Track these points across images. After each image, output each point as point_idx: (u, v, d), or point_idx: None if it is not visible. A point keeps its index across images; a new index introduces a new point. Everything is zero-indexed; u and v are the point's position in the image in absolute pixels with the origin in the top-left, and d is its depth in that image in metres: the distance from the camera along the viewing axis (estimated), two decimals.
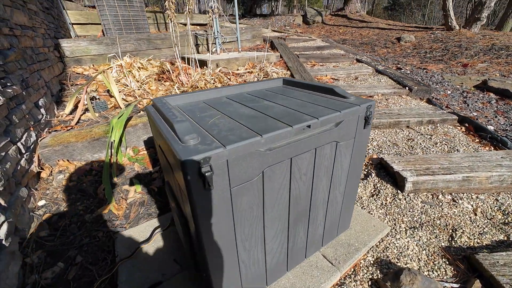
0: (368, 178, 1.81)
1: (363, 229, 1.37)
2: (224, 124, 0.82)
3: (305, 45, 6.07)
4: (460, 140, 2.25)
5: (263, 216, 0.85)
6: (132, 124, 2.02)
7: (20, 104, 1.64)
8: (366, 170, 1.92)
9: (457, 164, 1.72)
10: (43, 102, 2.06)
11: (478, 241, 1.32)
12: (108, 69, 2.98)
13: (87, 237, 1.36)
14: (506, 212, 1.49)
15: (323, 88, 1.18)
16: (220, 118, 0.89)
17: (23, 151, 1.53)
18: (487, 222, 1.44)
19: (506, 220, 1.44)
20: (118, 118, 1.94)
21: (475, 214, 1.49)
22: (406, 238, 1.35)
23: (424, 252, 1.27)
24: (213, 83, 3.09)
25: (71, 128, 2.03)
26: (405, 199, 1.61)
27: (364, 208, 1.58)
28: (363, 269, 1.20)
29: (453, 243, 1.31)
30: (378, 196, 1.65)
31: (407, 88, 3.31)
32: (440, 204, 1.57)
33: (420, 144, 2.21)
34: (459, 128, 2.48)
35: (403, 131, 2.46)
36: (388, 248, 1.29)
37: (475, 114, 2.75)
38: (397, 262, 1.22)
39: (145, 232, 1.37)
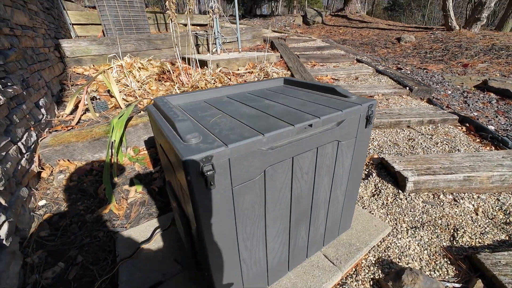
0: (369, 178, 1.81)
1: (364, 229, 1.36)
2: (226, 123, 0.82)
3: (305, 46, 6.07)
4: (461, 140, 2.25)
5: (265, 215, 0.85)
6: (132, 124, 2.02)
7: (20, 104, 1.64)
8: (367, 170, 1.92)
9: (458, 164, 1.72)
10: (44, 102, 2.06)
11: (480, 241, 1.31)
12: (108, 69, 2.98)
13: (88, 237, 1.36)
14: (508, 212, 1.49)
15: (324, 87, 1.18)
16: (221, 117, 0.88)
17: (24, 151, 1.53)
18: (489, 222, 1.43)
19: (508, 220, 1.44)
20: (119, 118, 1.94)
21: (477, 214, 1.49)
22: (407, 238, 1.35)
23: (425, 252, 1.27)
24: (214, 83, 3.09)
25: (72, 128, 2.03)
26: (406, 199, 1.61)
27: (365, 208, 1.57)
28: (364, 269, 1.19)
29: (455, 243, 1.31)
30: (379, 196, 1.65)
31: (407, 88, 3.31)
32: (441, 204, 1.57)
33: (421, 144, 2.20)
34: (459, 128, 2.48)
35: (404, 131, 2.46)
36: (389, 248, 1.29)
37: (475, 114, 2.75)
38: (398, 262, 1.22)
39: (146, 232, 1.37)
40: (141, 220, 1.48)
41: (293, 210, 0.94)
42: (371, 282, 1.13)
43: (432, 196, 1.63)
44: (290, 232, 0.99)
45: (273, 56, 4.33)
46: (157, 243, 1.30)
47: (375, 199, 1.63)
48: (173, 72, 3.13)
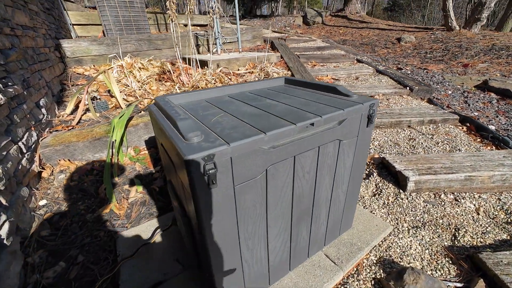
0: (370, 178, 1.80)
1: (366, 229, 1.36)
2: (227, 122, 0.82)
3: (305, 46, 6.07)
4: (462, 139, 2.24)
5: (266, 214, 0.85)
6: (133, 124, 2.02)
7: (21, 104, 1.64)
8: (368, 169, 1.91)
9: (459, 163, 1.71)
10: (44, 102, 2.06)
11: (481, 240, 1.31)
12: (109, 69, 2.98)
13: (89, 237, 1.35)
14: (509, 212, 1.49)
15: (325, 86, 1.18)
16: (223, 116, 0.88)
17: (24, 151, 1.53)
18: (490, 221, 1.43)
19: (509, 220, 1.43)
20: (120, 117, 1.94)
21: (478, 214, 1.49)
22: (408, 237, 1.34)
23: (427, 251, 1.27)
24: (214, 83, 3.09)
25: (72, 128, 2.03)
26: (407, 198, 1.60)
27: (366, 208, 1.57)
28: (366, 269, 1.19)
29: (456, 243, 1.31)
30: (380, 195, 1.65)
31: (408, 88, 3.31)
32: (443, 203, 1.57)
33: (422, 143, 2.20)
34: (460, 127, 2.48)
35: (405, 130, 2.45)
36: (390, 248, 1.29)
37: (476, 114, 2.75)
38: (400, 262, 1.22)
39: (147, 231, 1.37)
40: (142, 220, 1.47)
41: (294, 209, 0.94)
42: (373, 282, 1.13)
43: (433, 195, 1.63)
44: (291, 232, 0.99)
45: (274, 56, 4.33)
46: (158, 243, 1.30)
47: (376, 199, 1.63)
48: (173, 72, 3.13)
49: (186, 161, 0.60)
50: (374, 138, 2.34)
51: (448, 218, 1.46)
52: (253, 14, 15.79)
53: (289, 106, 0.98)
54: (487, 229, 1.37)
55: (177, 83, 2.99)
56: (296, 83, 1.35)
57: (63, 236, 1.35)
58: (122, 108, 2.43)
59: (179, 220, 1.06)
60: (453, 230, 1.38)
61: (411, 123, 2.51)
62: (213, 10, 3.74)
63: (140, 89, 2.81)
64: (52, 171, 1.71)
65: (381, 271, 1.17)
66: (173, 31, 3.20)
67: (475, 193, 1.63)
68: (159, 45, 4.10)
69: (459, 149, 2.09)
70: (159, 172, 1.84)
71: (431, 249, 1.28)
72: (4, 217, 1.12)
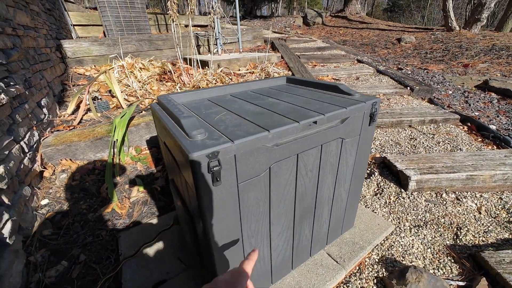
0: (371, 177, 1.80)
1: (368, 228, 1.36)
2: (231, 120, 0.82)
3: (305, 46, 6.08)
4: (463, 139, 2.25)
5: (269, 212, 0.85)
6: (134, 123, 2.02)
7: (23, 104, 1.64)
8: (369, 169, 1.92)
9: (461, 162, 1.72)
10: (46, 102, 2.06)
11: (483, 239, 1.31)
12: (110, 69, 2.98)
13: (91, 236, 1.35)
14: (511, 211, 1.49)
15: (327, 85, 1.18)
16: (226, 115, 0.88)
17: (26, 150, 1.53)
18: (492, 220, 1.43)
19: (511, 219, 1.43)
20: (121, 117, 1.94)
21: (480, 213, 1.49)
22: (410, 236, 1.34)
23: (429, 250, 1.27)
24: (215, 83, 3.09)
25: (74, 128, 2.03)
26: (408, 197, 1.60)
27: (368, 207, 1.57)
28: (368, 267, 1.19)
29: (458, 242, 1.31)
30: (382, 195, 1.65)
31: (408, 88, 3.31)
32: (444, 202, 1.57)
33: (423, 143, 2.20)
34: (461, 127, 2.48)
35: (406, 130, 2.46)
36: (392, 247, 1.29)
37: (477, 113, 2.75)
38: (402, 260, 1.22)
39: (148, 231, 1.36)
40: (144, 219, 1.47)
41: (297, 207, 0.94)
42: (375, 280, 1.13)
43: (435, 195, 1.63)
44: (294, 230, 0.99)
45: (274, 57, 4.34)
46: (160, 242, 1.30)
47: (378, 198, 1.63)
48: (174, 73, 3.13)
49: (190, 159, 0.60)
50: (375, 137, 2.34)
51: (449, 217, 1.46)
52: (253, 15, 15.82)
53: (291, 104, 0.98)
54: (489, 228, 1.37)
55: (178, 83, 2.99)
56: (298, 82, 1.35)
57: (65, 235, 1.35)
58: (123, 108, 2.43)
59: (182, 219, 1.06)
60: (455, 229, 1.38)
61: (412, 123, 2.52)
62: (214, 11, 3.75)
63: (141, 89, 2.82)
64: (54, 171, 1.71)
65: (383, 269, 1.17)
66: (174, 31, 3.20)
67: (476, 192, 1.63)
68: (160, 46, 4.10)
69: (460, 149, 2.09)
70: (161, 171, 1.84)
71: (433, 248, 1.28)
72: (6, 216, 1.12)
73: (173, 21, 2.80)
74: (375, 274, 1.16)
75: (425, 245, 1.30)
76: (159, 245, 1.28)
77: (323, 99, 1.04)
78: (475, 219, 1.44)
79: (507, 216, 1.46)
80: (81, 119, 2.21)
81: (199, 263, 0.97)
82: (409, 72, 4.24)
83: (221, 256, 0.79)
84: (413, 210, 1.52)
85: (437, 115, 2.58)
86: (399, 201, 1.59)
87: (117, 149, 1.85)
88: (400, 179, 1.71)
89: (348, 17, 11.16)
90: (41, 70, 2.25)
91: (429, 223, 1.42)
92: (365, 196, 1.66)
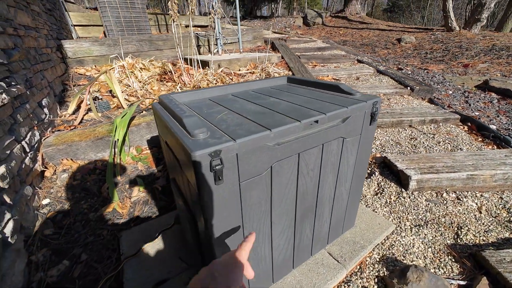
0: (372, 177, 1.81)
1: (368, 227, 1.36)
2: (232, 120, 0.82)
3: (306, 46, 6.09)
4: (463, 139, 2.25)
5: (271, 211, 0.85)
6: (135, 123, 2.03)
7: (24, 104, 1.64)
8: (369, 169, 1.92)
9: (461, 162, 1.72)
10: (46, 102, 2.07)
11: (484, 238, 1.31)
12: (110, 69, 2.98)
13: (92, 236, 1.36)
14: (511, 210, 1.49)
15: (328, 85, 1.18)
16: (227, 114, 0.89)
17: (28, 150, 1.53)
18: (492, 220, 1.43)
19: (511, 218, 1.44)
20: (122, 117, 1.95)
21: (480, 212, 1.49)
22: (411, 236, 1.35)
23: (429, 249, 1.27)
24: (215, 83, 3.10)
25: (75, 128, 2.04)
26: (409, 197, 1.61)
27: (369, 207, 1.57)
28: (369, 267, 1.19)
29: (459, 241, 1.31)
30: (382, 194, 1.65)
31: (408, 88, 3.32)
32: (445, 202, 1.57)
33: (423, 143, 2.21)
34: (461, 127, 2.48)
35: (406, 130, 2.46)
36: (393, 246, 1.29)
37: (477, 113, 2.76)
38: (403, 260, 1.22)
39: (150, 230, 1.37)
40: (145, 219, 1.48)
41: (298, 206, 0.94)
42: (376, 280, 1.13)
43: (435, 194, 1.63)
44: (295, 229, 0.99)
45: (274, 57, 4.35)
46: (161, 241, 1.30)
47: (378, 198, 1.63)
48: (175, 73, 3.14)
49: (193, 157, 0.60)
50: (375, 137, 2.34)
51: (450, 217, 1.46)
52: (253, 15, 15.84)
53: (293, 104, 0.98)
54: (490, 228, 1.38)
55: (178, 83, 3.00)
56: (299, 82, 1.36)
57: (66, 234, 1.35)
58: (124, 108, 2.43)
59: (183, 218, 1.06)
60: (456, 229, 1.38)
61: (412, 123, 2.52)
62: (214, 11, 3.75)
63: (141, 89, 2.82)
64: (55, 170, 1.72)
65: (384, 269, 1.17)
66: (175, 31, 3.21)
67: (477, 192, 1.63)
68: (160, 46, 4.11)
69: (460, 148, 2.09)
70: (162, 171, 1.84)
71: (434, 248, 1.28)
72: (8, 215, 1.12)
73: (173, 22, 2.80)
74: (376, 273, 1.16)
75: (426, 244, 1.30)
76: (160, 244, 1.28)
77: (324, 98, 1.05)
78: (476, 219, 1.44)
79: (507, 215, 1.46)
80: (82, 119, 2.22)
81: (200, 262, 0.98)
82: (409, 72, 4.25)
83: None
84: (414, 209, 1.52)
85: (438, 115, 2.58)
86: (399, 200, 1.59)
87: (118, 149, 1.85)
88: (400, 179, 1.71)
89: (348, 18, 11.18)
90: (42, 70, 2.25)
91: (430, 222, 1.43)
92: (365, 196, 1.66)
